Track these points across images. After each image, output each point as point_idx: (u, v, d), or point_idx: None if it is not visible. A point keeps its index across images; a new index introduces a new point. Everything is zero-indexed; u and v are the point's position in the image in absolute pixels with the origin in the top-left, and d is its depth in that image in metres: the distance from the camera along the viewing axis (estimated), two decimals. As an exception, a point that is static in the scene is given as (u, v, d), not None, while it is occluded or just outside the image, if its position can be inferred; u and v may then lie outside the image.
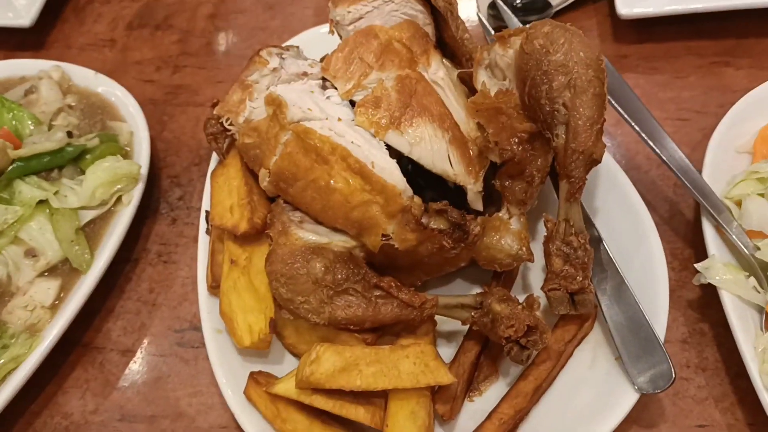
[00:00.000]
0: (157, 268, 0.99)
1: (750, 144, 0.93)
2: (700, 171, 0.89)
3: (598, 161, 0.80)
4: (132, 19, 1.32)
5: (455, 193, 0.84)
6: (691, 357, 0.85)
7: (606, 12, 1.18)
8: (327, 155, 0.77)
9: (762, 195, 0.85)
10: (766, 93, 0.96)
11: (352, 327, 0.77)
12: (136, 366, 0.90)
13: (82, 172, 0.98)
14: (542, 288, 0.79)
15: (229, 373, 0.80)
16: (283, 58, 0.92)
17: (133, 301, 0.96)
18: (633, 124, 0.91)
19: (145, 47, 1.27)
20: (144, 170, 0.98)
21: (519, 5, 1.16)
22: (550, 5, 1.18)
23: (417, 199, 0.76)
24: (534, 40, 0.80)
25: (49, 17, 1.29)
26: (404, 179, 0.76)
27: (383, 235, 0.76)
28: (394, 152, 0.80)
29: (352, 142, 0.78)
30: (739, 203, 0.85)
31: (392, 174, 0.76)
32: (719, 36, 1.14)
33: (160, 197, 1.06)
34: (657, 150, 0.89)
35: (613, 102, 0.94)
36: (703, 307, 0.88)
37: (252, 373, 0.78)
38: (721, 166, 0.91)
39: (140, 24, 1.31)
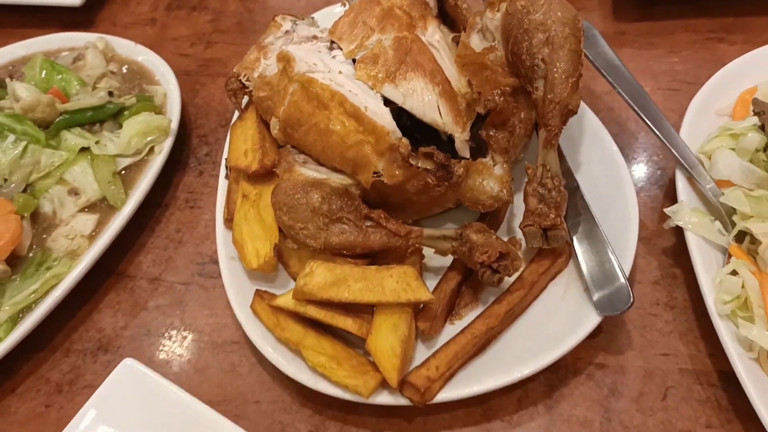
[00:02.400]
0: (184, 212, 1.11)
1: (730, 107, 1.00)
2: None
3: (574, 111, 0.88)
4: (171, 1, 1.46)
5: (448, 146, 0.93)
6: (661, 296, 0.91)
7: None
8: (327, 101, 0.87)
9: (733, 149, 0.91)
10: (749, 61, 1.03)
11: (345, 252, 0.86)
12: (162, 292, 1.02)
13: (120, 127, 1.10)
14: (520, 225, 0.88)
15: (239, 292, 0.90)
16: (296, 24, 1.03)
17: (161, 239, 1.08)
18: (618, 88, 0.99)
19: (182, 26, 1.41)
20: (174, 125, 1.10)
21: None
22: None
23: (404, 140, 0.85)
24: (517, 1, 0.89)
25: (94, 2, 1.43)
26: (393, 122, 0.86)
27: (374, 173, 0.86)
28: (390, 104, 0.91)
29: (350, 91, 0.88)
30: (711, 157, 0.92)
31: (383, 117, 0.86)
32: (715, 14, 1.20)
33: (190, 153, 1.18)
34: (638, 111, 0.97)
35: (602, 70, 1.02)
36: (676, 254, 0.94)
37: (257, 290, 0.89)
38: (701, 126, 0.97)
39: (178, 6, 1.45)
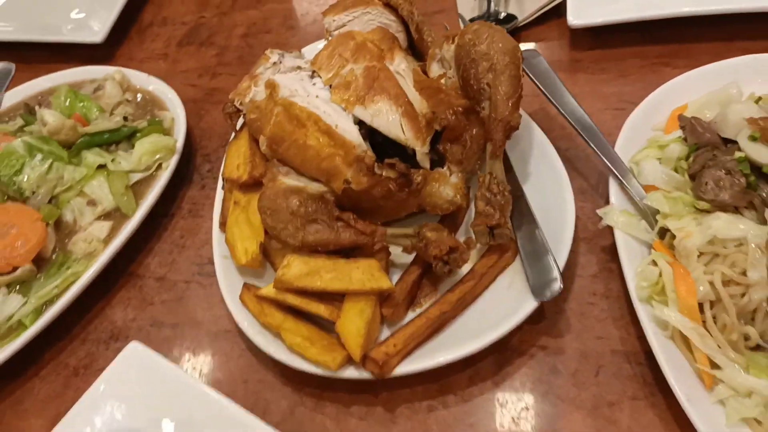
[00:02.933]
0: (188, 221, 1.26)
1: (664, 123, 1.13)
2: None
3: (515, 127, 1.02)
4: (182, 39, 1.64)
5: (412, 159, 1.07)
6: (598, 288, 1.04)
7: (566, 26, 1.38)
8: (304, 121, 1.02)
9: (659, 159, 1.04)
10: (682, 82, 1.15)
11: (320, 249, 1.00)
12: (166, 289, 1.17)
13: (133, 147, 1.26)
14: (470, 225, 1.01)
15: (230, 286, 1.05)
16: (283, 56, 1.19)
17: (167, 244, 1.23)
18: (558, 107, 1.13)
19: (191, 60, 1.58)
20: (179, 145, 1.26)
21: (490, 19, 1.40)
22: (515, 18, 1.41)
23: (369, 152, 1.00)
24: (465, 35, 1.04)
25: (116, 37, 1.61)
26: (360, 138, 1.00)
27: (345, 180, 1.00)
28: (362, 124, 1.05)
29: (324, 112, 1.03)
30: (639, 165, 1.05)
31: (351, 134, 1.00)
32: (662, 41, 1.33)
33: (194, 170, 1.34)
34: (575, 126, 1.10)
35: (546, 92, 1.16)
36: (612, 252, 1.06)
37: (245, 283, 1.03)
38: (638, 140, 1.10)
39: (188, 42, 1.62)
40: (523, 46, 1.21)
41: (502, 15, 1.43)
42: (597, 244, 1.08)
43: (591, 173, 1.17)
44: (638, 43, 1.34)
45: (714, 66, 1.15)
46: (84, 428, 0.94)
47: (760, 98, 1.02)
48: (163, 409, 0.94)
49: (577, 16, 1.31)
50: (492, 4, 1.45)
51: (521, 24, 1.42)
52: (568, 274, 1.05)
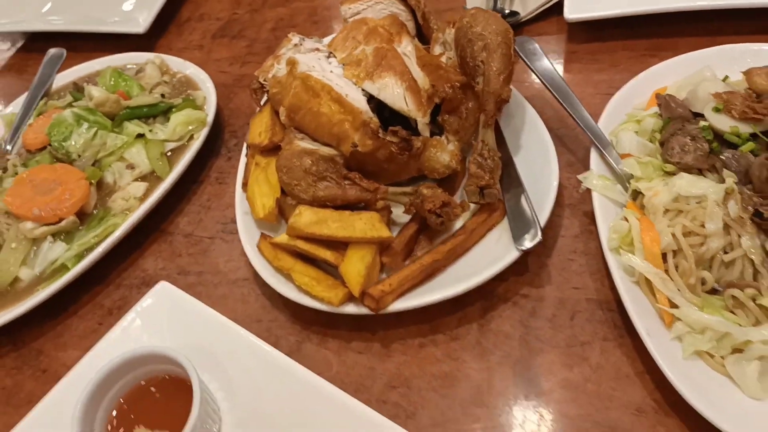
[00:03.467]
0: (214, 187, 1.40)
1: (645, 103, 1.24)
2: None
3: (506, 100, 1.14)
4: (216, 32, 1.80)
5: (415, 131, 1.20)
6: (578, 246, 1.14)
7: (564, 21, 1.50)
8: (319, 91, 1.16)
9: (636, 131, 1.15)
10: (664, 68, 1.27)
11: (328, 204, 1.13)
12: (193, 244, 1.30)
13: (168, 120, 1.42)
14: (464, 186, 1.13)
15: (249, 237, 1.18)
16: (304, 39, 1.33)
17: (195, 206, 1.37)
18: (550, 88, 1.24)
19: (223, 50, 1.74)
20: (210, 118, 1.41)
21: (494, 14, 1.53)
22: (518, 14, 1.54)
23: (374, 118, 1.13)
24: (464, 19, 1.17)
25: (157, 30, 1.78)
26: (367, 106, 1.14)
27: (352, 144, 1.13)
28: (371, 98, 1.18)
29: (336, 84, 1.16)
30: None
31: (359, 102, 1.14)
32: (650, 36, 1.44)
33: (222, 144, 1.48)
34: (563, 103, 1.22)
35: (540, 75, 1.28)
36: (594, 216, 1.17)
37: (262, 233, 1.16)
38: (619, 117, 1.21)
39: (221, 35, 1.78)
40: (520, 36, 1.35)
41: (507, 11, 1.55)
42: (580, 210, 1.19)
43: (579, 149, 1.28)
44: (628, 37, 1.45)
45: (693, 54, 1.26)
46: (116, 351, 1.08)
47: (727, 77, 1.13)
48: (186, 338, 1.07)
49: (572, 11, 1.44)
50: (498, 2, 1.58)
51: (523, 20, 1.55)
52: (552, 234, 1.17)
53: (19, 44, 1.94)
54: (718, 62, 1.22)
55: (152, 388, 1.01)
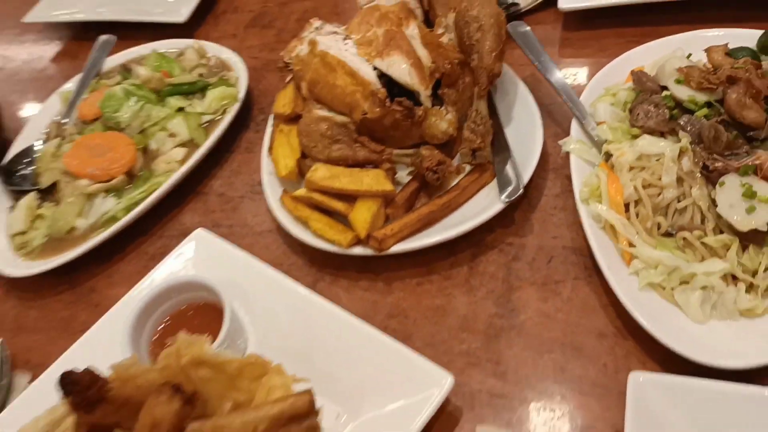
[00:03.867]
0: (244, 155, 1.59)
1: (624, 81, 1.39)
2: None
3: (497, 74, 1.31)
4: (248, 23, 2.00)
5: (418, 101, 1.37)
6: (558, 203, 1.30)
7: (560, 12, 1.66)
8: (335, 66, 1.33)
9: (612, 103, 1.31)
10: (643, 51, 1.42)
11: (341, 163, 1.31)
12: (225, 202, 1.49)
13: (205, 96, 1.61)
14: (458, 148, 1.30)
15: (273, 193, 1.35)
16: (324, 24, 1.51)
17: (227, 170, 1.56)
18: (539, 67, 1.41)
19: (255, 39, 1.93)
20: (241, 95, 1.59)
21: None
22: (518, 4, 1.71)
23: (382, 89, 1.31)
24: (462, 3, 1.35)
25: (196, 21, 1.98)
26: (376, 78, 1.31)
27: (363, 112, 1.31)
28: (382, 76, 1.36)
29: (350, 60, 1.34)
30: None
31: (369, 75, 1.31)
32: (637, 24, 1.59)
33: (251, 119, 1.68)
34: (550, 81, 1.38)
35: (531, 56, 1.45)
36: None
37: (284, 189, 1.35)
38: (599, 92, 1.37)
39: (253, 25, 1.98)
40: (517, 24, 1.52)
41: (509, 2, 1.72)
42: (562, 173, 1.35)
43: (565, 122, 1.43)
44: (617, 26, 1.61)
45: (669, 38, 1.41)
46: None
47: (690, 55, 1.28)
48: (219, 274, 1.25)
49: (565, 2, 1.60)
50: (500, -5, 1.74)
51: (524, 9, 1.71)
52: (536, 194, 1.33)
53: (74, 33, 2.17)
54: (691, 45, 1.36)
55: (191, 312, 1.20)
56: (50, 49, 2.17)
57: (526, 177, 1.25)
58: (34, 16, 2.17)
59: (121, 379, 0.95)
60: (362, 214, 1.24)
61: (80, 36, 2.15)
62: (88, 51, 1.92)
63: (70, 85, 1.78)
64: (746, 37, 1.35)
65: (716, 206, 1.06)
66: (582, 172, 1.24)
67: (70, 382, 0.92)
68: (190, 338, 1.00)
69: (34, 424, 0.99)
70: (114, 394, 0.93)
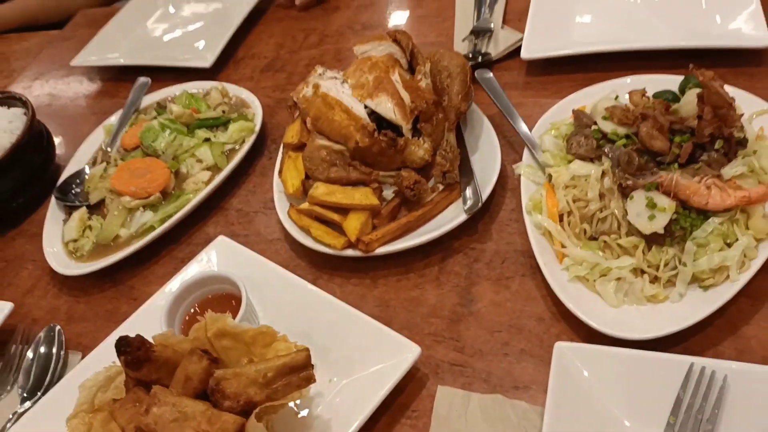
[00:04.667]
0: (259, 178, 1.90)
1: (570, 118, 1.70)
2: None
3: (463, 112, 1.62)
4: (263, 67, 2.33)
5: (400, 133, 1.68)
6: (514, 216, 1.57)
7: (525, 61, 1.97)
8: (333, 105, 1.64)
9: (555, 136, 1.61)
10: (585, 93, 1.72)
11: (337, 182, 1.61)
12: (241, 216, 1.80)
13: (227, 128, 1.94)
14: (431, 172, 1.61)
15: (282, 207, 1.66)
16: (326, 70, 1.84)
17: (244, 191, 1.87)
18: (498, 106, 1.72)
19: (268, 81, 2.26)
20: (257, 128, 1.91)
21: (470, 57, 2.02)
22: (490, 54, 2.03)
23: (371, 123, 1.62)
24: (435, 56, 1.67)
25: (219, 65, 2.31)
26: (366, 115, 1.63)
27: (355, 141, 1.62)
28: (372, 113, 1.67)
29: (346, 100, 1.66)
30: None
31: (361, 112, 1.62)
32: (587, 71, 1.90)
33: (265, 148, 1.99)
34: (507, 117, 1.69)
35: (493, 99, 1.76)
36: (528, 197, 1.63)
37: (291, 204, 1.65)
38: (546, 127, 1.68)
39: (267, 69, 2.31)
40: (483, 71, 1.83)
41: (482, 52, 2.04)
42: (517, 192, 1.63)
43: (521, 150, 1.74)
44: (570, 72, 1.91)
45: (607, 83, 1.71)
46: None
47: (617, 96, 1.59)
48: (237, 272, 1.55)
49: (526, 53, 1.91)
50: (476, 45, 2.07)
51: (495, 58, 2.03)
52: (495, 208, 1.62)
53: (112, 75, 2.52)
54: (625, 89, 1.67)
55: (215, 301, 1.49)
56: (93, 88, 2.52)
57: (485, 195, 1.55)
58: (80, 60, 2.52)
59: (162, 345, 1.24)
60: (353, 223, 1.54)
61: (118, 78, 2.50)
62: (126, 91, 2.26)
63: (113, 119, 2.12)
64: (671, 81, 1.65)
65: (627, 215, 1.35)
66: (530, 190, 1.54)
67: (124, 344, 1.21)
68: (216, 315, 1.29)
69: (94, 378, 1.28)
70: (156, 355, 1.22)
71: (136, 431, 1.11)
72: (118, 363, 1.27)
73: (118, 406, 1.21)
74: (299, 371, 1.19)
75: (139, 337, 1.22)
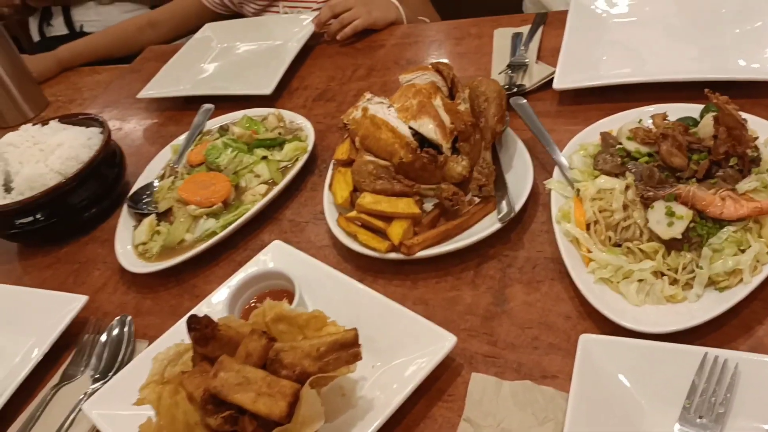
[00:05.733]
0: (309, 193, 2.07)
1: (598, 141, 1.84)
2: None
3: (499, 133, 1.78)
4: (315, 97, 2.54)
5: (440, 151, 1.85)
6: (544, 227, 1.70)
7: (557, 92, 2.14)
8: (380, 124, 1.82)
9: (584, 155, 1.76)
10: (611, 119, 1.87)
11: (382, 194, 1.77)
12: (294, 225, 1.97)
13: (282, 148, 2.13)
14: (469, 186, 1.76)
15: (331, 216, 1.83)
16: (373, 97, 2.03)
17: (296, 204, 2.05)
18: (532, 129, 1.88)
19: (319, 109, 2.46)
20: (309, 148, 2.11)
21: (506, 88, 2.19)
22: (525, 85, 2.20)
23: (414, 142, 1.79)
24: (474, 83, 1.84)
25: (276, 95, 2.53)
26: (410, 134, 1.80)
27: (399, 157, 1.79)
28: (415, 133, 1.85)
29: (391, 121, 1.84)
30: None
31: (405, 131, 1.80)
32: (614, 101, 2.05)
33: (316, 167, 2.17)
34: (540, 139, 1.85)
35: (526, 122, 1.92)
36: (558, 211, 1.76)
37: (339, 213, 1.82)
38: (576, 148, 1.83)
39: (318, 99, 2.52)
40: (518, 98, 2.00)
41: (517, 83, 2.21)
42: (548, 207, 1.78)
43: (551, 169, 1.89)
44: (599, 102, 2.06)
45: (633, 110, 1.87)
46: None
47: (641, 120, 1.73)
48: (290, 271, 1.71)
49: (558, 84, 2.08)
50: (512, 78, 2.24)
51: (528, 89, 2.20)
52: (527, 220, 1.76)
53: (176, 104, 2.76)
54: (647, 116, 1.81)
55: (271, 296, 1.65)
56: (159, 116, 2.76)
57: (518, 206, 1.70)
58: (146, 92, 2.76)
59: (226, 326, 1.40)
60: (397, 229, 1.70)
61: (183, 107, 2.74)
62: (189, 118, 2.49)
63: (180, 140, 2.34)
64: (692, 110, 1.79)
65: (648, 223, 1.48)
66: (560, 202, 1.68)
67: (194, 322, 1.37)
68: (273, 302, 1.45)
69: (165, 352, 1.44)
70: (221, 334, 1.38)
71: (205, 392, 1.26)
72: (186, 342, 1.43)
73: (186, 376, 1.36)
74: (348, 348, 1.33)
75: (207, 316, 1.38)
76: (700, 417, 1.22)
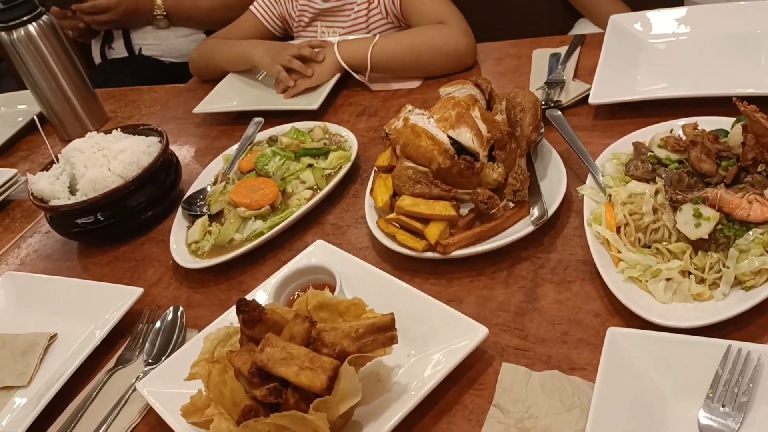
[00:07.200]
0: (351, 199, 2.18)
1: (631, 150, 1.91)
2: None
3: (534, 141, 1.86)
4: (359, 113, 2.66)
5: (477, 158, 1.94)
6: (576, 232, 1.77)
7: (592, 106, 2.22)
8: (420, 133, 1.92)
9: (616, 163, 1.83)
10: (644, 131, 1.94)
11: (421, 197, 1.87)
12: (336, 229, 2.08)
13: (327, 157, 2.26)
14: (504, 191, 1.84)
15: (372, 219, 1.93)
16: (414, 109, 2.13)
17: (338, 209, 2.15)
18: (567, 140, 1.96)
19: (363, 124, 2.59)
20: (352, 157, 2.22)
21: (543, 103, 2.27)
22: (561, 101, 2.28)
23: (452, 149, 1.88)
24: (510, 94, 1.94)
25: (321, 110, 2.67)
26: (449, 142, 1.90)
27: (438, 163, 1.88)
28: (452, 139, 1.95)
29: (431, 129, 1.94)
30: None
31: (444, 139, 1.90)
32: (648, 116, 2.11)
33: (358, 176, 2.28)
34: (574, 149, 1.92)
35: (561, 133, 2.00)
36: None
37: (379, 215, 1.92)
38: (609, 157, 1.89)
39: (362, 114, 2.64)
40: (553, 111, 2.08)
41: (554, 99, 2.30)
42: (581, 214, 1.84)
43: (584, 177, 1.96)
44: (634, 117, 2.13)
45: (665, 123, 1.93)
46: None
47: (672, 130, 1.79)
48: (333, 267, 1.81)
49: (594, 98, 2.16)
50: (549, 95, 2.33)
51: (565, 105, 2.28)
52: (560, 226, 1.83)
53: (229, 119, 2.92)
54: (679, 128, 1.88)
55: (312, 288, 1.75)
56: (211, 130, 2.93)
57: (551, 211, 1.77)
58: (202, 107, 2.93)
59: (272, 311, 1.50)
60: (433, 230, 1.79)
61: (234, 122, 2.90)
62: (240, 132, 2.64)
63: (232, 150, 2.48)
64: (724, 122, 1.85)
65: (677, 224, 1.54)
66: (590, 205, 1.74)
67: (243, 305, 1.48)
68: (316, 291, 1.55)
69: (216, 333, 1.55)
70: (267, 317, 1.48)
71: (252, 366, 1.36)
72: (235, 325, 1.54)
73: (234, 355, 1.46)
74: (385, 331, 1.42)
75: (255, 300, 1.49)
76: (723, 405, 1.26)
